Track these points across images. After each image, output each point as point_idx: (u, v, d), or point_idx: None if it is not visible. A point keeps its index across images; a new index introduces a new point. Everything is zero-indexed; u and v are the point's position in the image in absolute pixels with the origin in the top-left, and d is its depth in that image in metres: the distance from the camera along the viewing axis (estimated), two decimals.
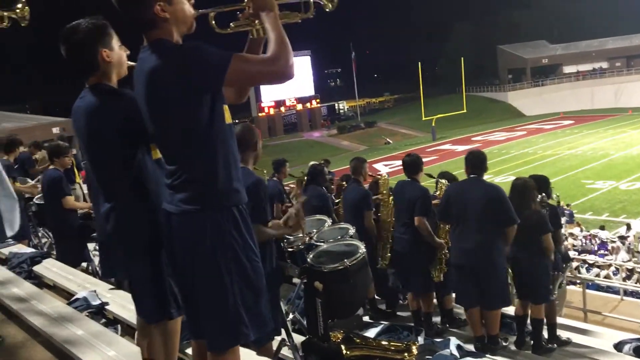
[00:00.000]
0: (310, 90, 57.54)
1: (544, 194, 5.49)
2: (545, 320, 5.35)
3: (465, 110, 47.27)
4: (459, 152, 33.81)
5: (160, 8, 1.96)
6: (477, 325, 5.14)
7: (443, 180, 5.96)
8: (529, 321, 5.36)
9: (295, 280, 3.66)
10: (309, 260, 3.59)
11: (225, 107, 2.06)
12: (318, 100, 59.79)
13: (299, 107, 57.47)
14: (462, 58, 47.18)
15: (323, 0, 2.20)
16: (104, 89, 2.40)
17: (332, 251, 3.70)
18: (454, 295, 5.80)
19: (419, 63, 45.52)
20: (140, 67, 2.00)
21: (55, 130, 28.35)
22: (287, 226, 3.39)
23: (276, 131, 55.65)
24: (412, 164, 5.78)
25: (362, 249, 3.61)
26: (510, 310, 5.65)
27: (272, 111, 55.56)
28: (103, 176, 2.45)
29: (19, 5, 3.01)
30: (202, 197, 1.99)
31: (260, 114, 53.88)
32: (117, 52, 2.43)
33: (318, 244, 3.88)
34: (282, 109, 56.69)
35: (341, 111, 72.83)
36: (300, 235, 3.76)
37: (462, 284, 5.21)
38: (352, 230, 4.18)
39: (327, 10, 2.24)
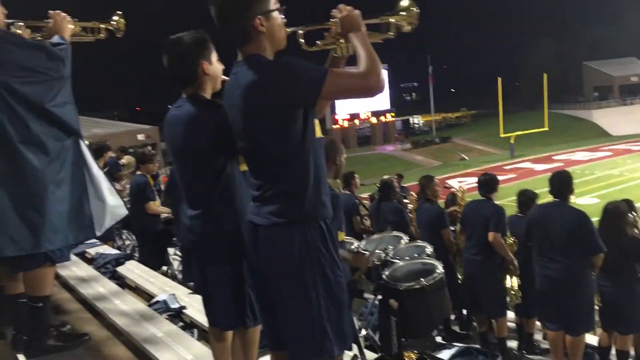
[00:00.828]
0: (385, 104, 57.30)
1: (634, 213, 5.22)
2: (632, 352, 5.04)
3: (546, 128, 45.51)
4: (538, 171, 32.59)
5: (259, 22, 2.02)
6: (560, 351, 4.90)
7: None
8: (613, 352, 5.07)
9: (367, 295, 3.63)
10: (384, 277, 3.56)
11: (316, 121, 2.10)
12: (393, 114, 59.47)
13: (374, 120, 57.37)
14: (545, 74, 45.56)
15: (402, 23, 2.29)
16: (200, 99, 2.49)
17: (409, 269, 3.65)
18: (537, 322, 5.58)
19: (499, 78, 44.36)
20: (236, 82, 2.06)
21: (140, 136, 29.74)
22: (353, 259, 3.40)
23: (349, 144, 55.75)
24: (488, 183, 5.66)
25: (440, 269, 3.54)
26: (592, 339, 5.36)
27: (346, 124, 55.74)
28: (193, 184, 2.52)
29: (115, 18, 3.18)
30: (291, 210, 2.01)
31: (334, 126, 54.17)
32: (215, 65, 2.52)
33: (394, 260, 3.83)
34: (357, 121, 56.78)
35: (416, 125, 72.03)
36: (378, 251, 3.73)
37: (546, 308, 5.00)
38: (429, 249, 4.11)
39: (405, 31, 2.31)
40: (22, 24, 2.89)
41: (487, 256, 5.41)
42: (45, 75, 2.65)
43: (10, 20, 2.80)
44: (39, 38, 2.91)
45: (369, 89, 2.02)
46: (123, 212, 2.97)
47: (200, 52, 2.46)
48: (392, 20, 2.28)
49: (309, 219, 2.03)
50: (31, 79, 2.62)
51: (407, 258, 3.93)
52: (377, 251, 3.71)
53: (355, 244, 4.15)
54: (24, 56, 2.61)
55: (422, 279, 3.38)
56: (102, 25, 3.14)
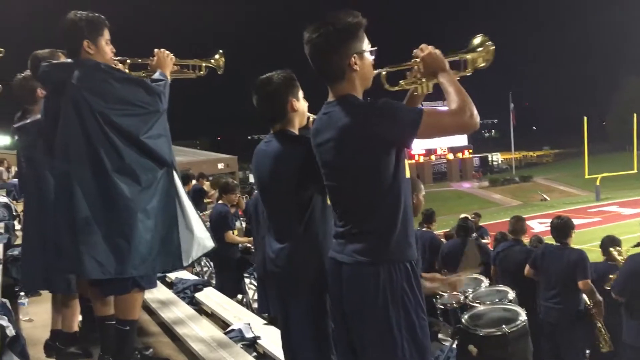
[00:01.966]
0: (463, 140, 56.34)
1: None
2: None
3: (635, 170, 43.08)
4: (626, 215, 30.72)
5: (354, 61, 2.06)
6: None
7: (620, 249, 5.48)
8: None
9: (442, 337, 3.53)
10: (463, 320, 3.45)
11: (407, 161, 2.10)
12: (471, 151, 58.34)
13: (450, 156, 56.50)
14: (635, 114, 43.35)
15: (479, 59, 2.26)
16: (288, 135, 2.56)
17: (490, 315, 3.52)
18: None
19: (585, 117, 42.66)
20: (328, 122, 2.10)
21: (220, 165, 30.75)
22: (444, 283, 3.30)
23: (424, 179, 54.85)
24: (564, 227, 5.41)
25: (523, 316, 3.39)
26: None
27: (421, 159, 55.20)
28: (278, 217, 2.58)
29: (216, 56, 3.37)
30: (377, 250, 2.01)
31: (409, 162, 53.69)
32: (302, 102, 2.60)
33: (474, 304, 3.72)
34: (432, 157, 56.12)
35: (494, 163, 70.18)
36: (455, 293, 3.63)
37: None
38: (511, 295, 3.95)
39: (480, 68, 2.28)
40: (124, 60, 3.10)
41: (570, 304, 5.16)
42: (142, 109, 2.80)
43: (117, 58, 3.01)
44: (142, 74, 3.10)
45: (464, 127, 2.03)
46: (210, 244, 3.05)
47: (289, 90, 2.54)
48: (468, 57, 2.26)
49: (395, 260, 2.02)
50: (129, 112, 2.77)
51: (488, 303, 3.80)
52: (455, 293, 3.62)
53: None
54: (124, 90, 2.77)
55: (505, 326, 3.24)
56: (204, 63, 3.32)
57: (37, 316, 4.27)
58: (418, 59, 2.21)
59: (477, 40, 2.24)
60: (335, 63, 2.07)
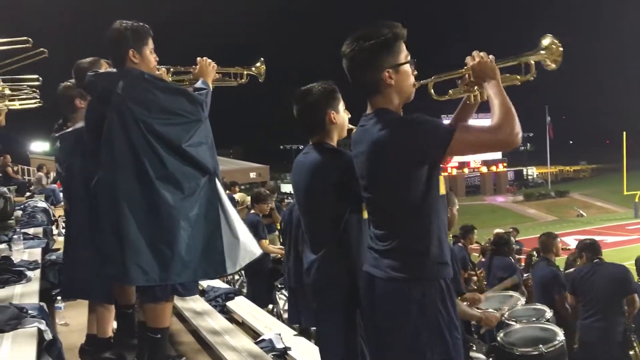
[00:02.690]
0: (497, 154, 55.56)
1: None
2: None
3: None
4: None
5: (388, 75, 2.04)
6: None
7: None
8: None
9: (476, 355, 3.45)
10: (498, 339, 3.38)
11: (441, 177, 2.06)
12: (505, 164, 57.49)
13: (484, 169, 55.79)
14: None
15: (546, 61, 2.14)
16: (326, 147, 2.56)
17: (526, 334, 3.43)
18: None
19: (624, 132, 41.65)
20: (363, 134, 2.09)
21: (252, 174, 30.92)
22: (482, 317, 3.25)
23: (457, 192, 54.28)
24: (594, 246, 5.41)
25: (561, 336, 3.31)
26: None
27: (454, 172, 54.64)
28: (314, 229, 2.58)
29: (257, 64, 3.40)
30: (411, 267, 1.99)
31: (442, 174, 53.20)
32: (341, 115, 2.60)
33: (509, 323, 3.64)
34: (466, 170, 55.49)
35: (530, 177, 68.98)
36: (491, 310, 3.56)
37: None
38: (549, 314, 3.85)
39: (550, 69, 2.17)
40: (168, 69, 3.15)
41: (612, 323, 5.01)
42: (184, 118, 2.84)
43: (159, 66, 3.06)
44: (185, 83, 3.15)
45: (502, 144, 1.97)
46: (258, 250, 3.03)
47: (329, 102, 2.54)
48: (532, 60, 2.15)
49: (429, 277, 1.99)
50: (171, 121, 2.81)
51: (524, 321, 3.71)
52: (490, 310, 3.55)
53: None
54: (167, 100, 2.81)
55: (542, 346, 3.16)
56: (245, 71, 3.35)
57: (72, 320, 4.34)
58: (469, 67, 2.14)
59: (545, 41, 2.13)
60: (369, 78, 2.06)
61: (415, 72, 2.14)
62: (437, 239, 2.01)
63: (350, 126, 2.65)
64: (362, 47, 2.03)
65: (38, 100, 6.19)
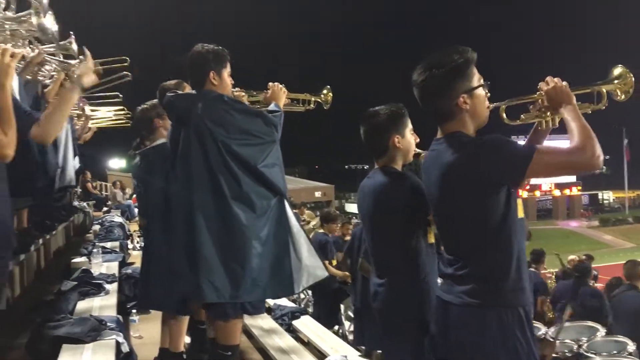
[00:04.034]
0: (571, 177, 53.52)
1: None
2: None
3: None
4: None
5: (463, 100, 2.01)
6: None
7: None
8: None
9: None
10: None
11: (520, 201, 2.01)
12: (579, 188, 55.22)
13: (557, 193, 53.81)
14: None
15: (617, 91, 2.13)
16: (391, 171, 2.55)
17: None
18: None
19: None
20: (435, 159, 2.06)
21: (318, 194, 31.18)
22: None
23: (528, 216, 52.48)
24: None
25: None
26: None
27: (525, 194, 52.90)
28: (380, 252, 2.57)
29: (324, 91, 3.49)
30: (488, 293, 1.93)
31: None
32: (407, 139, 2.58)
33: (589, 355, 3.46)
34: (537, 193, 53.67)
35: (605, 202, 65.79)
36: (568, 341, 3.40)
37: None
38: (631, 347, 3.64)
39: (619, 100, 2.15)
40: (244, 92, 3.26)
41: None
42: (260, 139, 2.92)
43: (235, 89, 3.17)
44: (258, 106, 3.24)
45: (582, 167, 1.93)
46: (322, 273, 3.07)
47: (394, 126, 2.54)
48: (604, 89, 2.14)
49: (507, 305, 1.93)
50: (248, 142, 2.90)
51: (604, 354, 3.52)
52: (567, 341, 3.39)
53: (543, 329, 3.84)
54: (244, 121, 2.91)
55: None
56: (313, 98, 3.43)
57: (146, 333, 4.47)
58: (542, 92, 2.11)
59: (617, 71, 2.12)
60: (443, 105, 2.04)
61: (489, 94, 2.11)
62: (516, 264, 1.95)
63: (418, 150, 2.64)
64: (434, 74, 2.01)
65: (126, 118, 6.47)
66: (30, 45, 2.78)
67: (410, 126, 2.60)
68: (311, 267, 3.02)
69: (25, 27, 2.49)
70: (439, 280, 2.23)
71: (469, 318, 1.95)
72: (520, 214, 2.02)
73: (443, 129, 2.09)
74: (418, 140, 2.65)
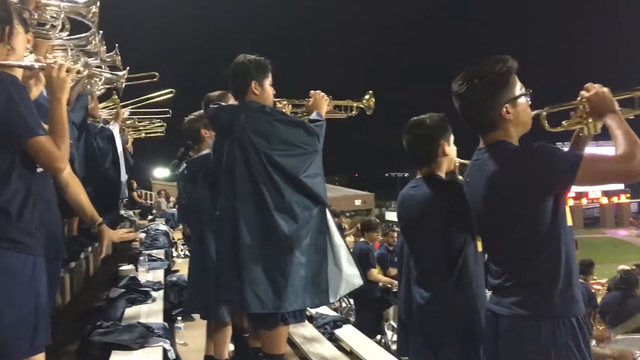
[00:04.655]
0: (619, 184, 51.95)
1: None
2: None
3: None
4: None
5: (506, 110, 1.98)
6: None
7: None
8: None
9: None
10: None
11: (568, 208, 1.96)
12: (628, 195, 53.41)
13: (604, 200, 52.22)
14: None
15: None
16: (436, 180, 2.52)
17: None
18: None
19: None
20: (479, 168, 2.04)
21: (357, 202, 31.10)
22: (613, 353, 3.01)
23: (574, 224, 50.33)
24: None
25: None
26: None
27: (571, 202, 51.57)
28: (426, 262, 2.53)
29: (367, 97, 3.48)
30: (538, 303, 1.89)
31: None
32: (453, 146, 2.55)
33: None
34: (584, 201, 52.19)
35: None
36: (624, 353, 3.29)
37: None
38: None
39: None
40: (286, 102, 3.28)
41: None
42: (302, 149, 2.93)
43: (277, 99, 3.19)
44: (299, 115, 3.26)
45: (630, 175, 1.87)
46: (358, 282, 3.06)
47: (442, 133, 2.52)
48: None
49: (559, 315, 1.88)
50: (290, 152, 2.91)
51: None
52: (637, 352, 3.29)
53: (592, 342, 3.71)
54: (286, 132, 2.92)
55: None
56: (355, 104, 3.42)
57: (191, 340, 4.53)
58: (584, 99, 2.07)
59: None
60: (486, 116, 2.01)
61: (530, 102, 2.07)
62: (566, 273, 1.90)
63: (459, 159, 2.61)
64: (476, 85, 1.99)
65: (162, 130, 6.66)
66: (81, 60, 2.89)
67: (452, 135, 2.58)
68: (350, 276, 3.02)
69: (86, 49, 2.58)
70: (488, 291, 2.19)
71: (519, 330, 1.91)
72: (569, 221, 1.98)
73: (486, 139, 2.06)
74: (456, 149, 2.62)
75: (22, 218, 2.00)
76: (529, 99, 2.05)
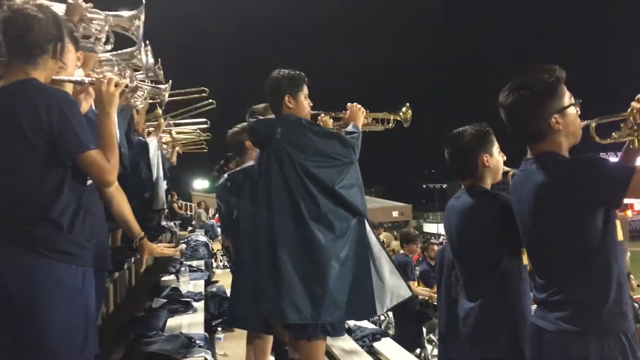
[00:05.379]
0: None
1: None
2: None
3: None
4: None
5: (555, 120, 1.96)
6: None
7: None
8: None
9: None
10: None
11: (618, 222, 1.92)
12: None
13: None
14: None
15: None
16: (478, 191, 2.50)
17: None
18: None
19: None
20: (526, 179, 2.01)
21: (395, 213, 30.83)
22: None
23: None
24: None
25: None
26: None
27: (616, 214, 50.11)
28: (469, 274, 2.50)
29: (403, 109, 3.50)
30: (585, 319, 1.85)
31: None
32: (495, 158, 2.53)
33: None
34: (629, 212, 50.61)
35: None
36: None
37: None
38: None
39: None
40: (323, 115, 3.32)
41: None
42: (337, 161, 2.96)
43: (314, 112, 3.23)
44: (336, 127, 3.29)
45: None
46: (406, 293, 3.04)
47: (481, 145, 2.50)
48: None
49: (608, 331, 1.84)
50: (325, 163, 2.94)
51: None
52: None
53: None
54: (322, 143, 2.96)
55: None
56: (392, 117, 3.43)
57: (231, 351, 4.57)
58: (634, 110, 2.05)
59: None
60: (534, 126, 1.99)
61: (579, 112, 2.04)
62: (616, 288, 1.86)
63: (506, 169, 2.58)
64: (523, 95, 1.98)
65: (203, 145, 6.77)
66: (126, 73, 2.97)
67: (497, 145, 2.55)
68: (394, 287, 3.00)
69: (132, 63, 2.65)
70: (534, 306, 2.15)
71: (565, 345, 1.87)
72: (620, 236, 1.93)
73: (534, 149, 2.03)
74: (505, 158, 2.59)
75: (73, 230, 2.05)
76: (578, 110, 2.02)
